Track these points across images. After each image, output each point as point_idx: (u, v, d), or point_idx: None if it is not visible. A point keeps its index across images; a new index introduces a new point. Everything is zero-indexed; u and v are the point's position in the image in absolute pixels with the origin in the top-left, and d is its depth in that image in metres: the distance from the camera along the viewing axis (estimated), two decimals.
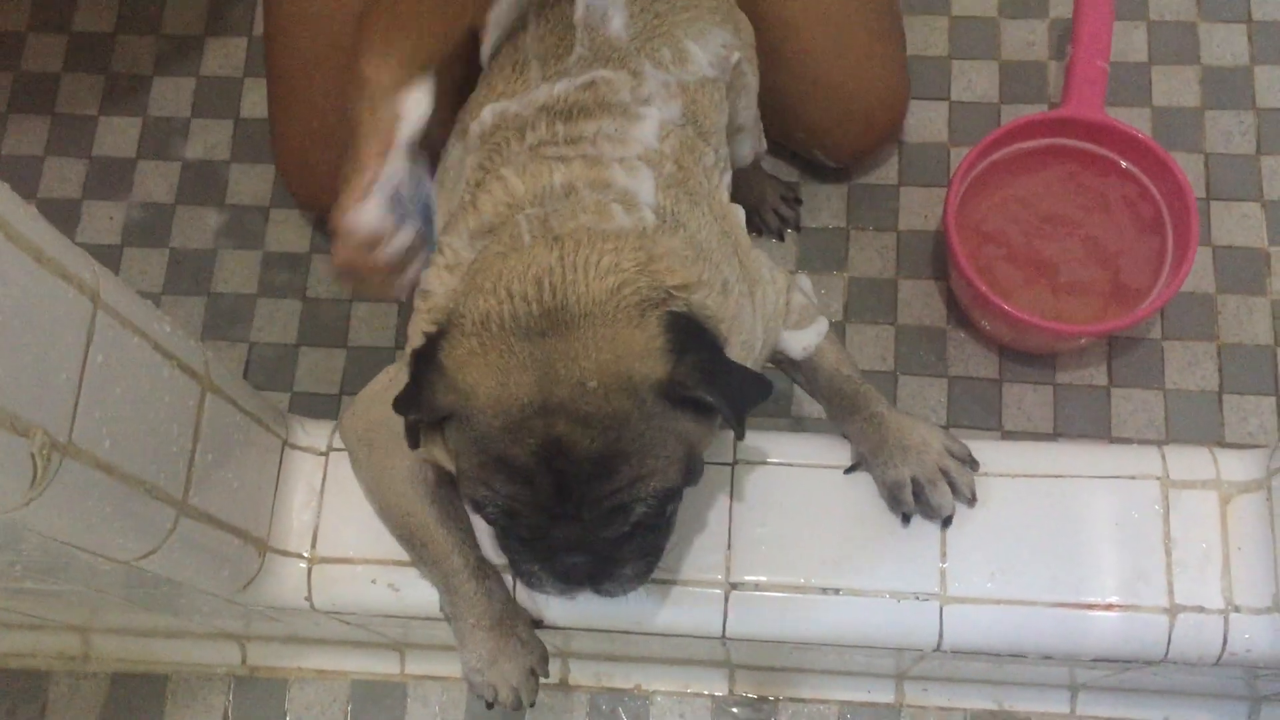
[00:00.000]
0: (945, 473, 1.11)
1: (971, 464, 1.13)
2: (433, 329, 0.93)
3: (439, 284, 0.98)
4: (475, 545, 1.10)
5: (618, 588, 0.96)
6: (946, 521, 1.12)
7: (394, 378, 1.08)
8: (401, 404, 0.91)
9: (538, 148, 1.01)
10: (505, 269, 0.90)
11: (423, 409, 0.90)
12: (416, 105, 1.05)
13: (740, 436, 0.91)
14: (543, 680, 1.12)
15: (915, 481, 1.10)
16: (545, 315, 0.87)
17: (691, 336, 0.88)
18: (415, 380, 0.90)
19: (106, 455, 0.86)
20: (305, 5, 1.50)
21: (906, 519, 1.12)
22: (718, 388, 0.87)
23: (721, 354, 0.91)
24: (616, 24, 1.08)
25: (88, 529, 0.89)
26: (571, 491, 0.87)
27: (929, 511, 1.11)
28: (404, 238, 1.06)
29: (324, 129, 1.53)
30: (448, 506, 1.09)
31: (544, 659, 1.11)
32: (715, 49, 1.13)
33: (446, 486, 1.09)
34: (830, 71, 1.50)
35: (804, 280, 1.13)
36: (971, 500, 1.12)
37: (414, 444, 0.93)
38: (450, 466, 0.94)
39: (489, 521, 0.94)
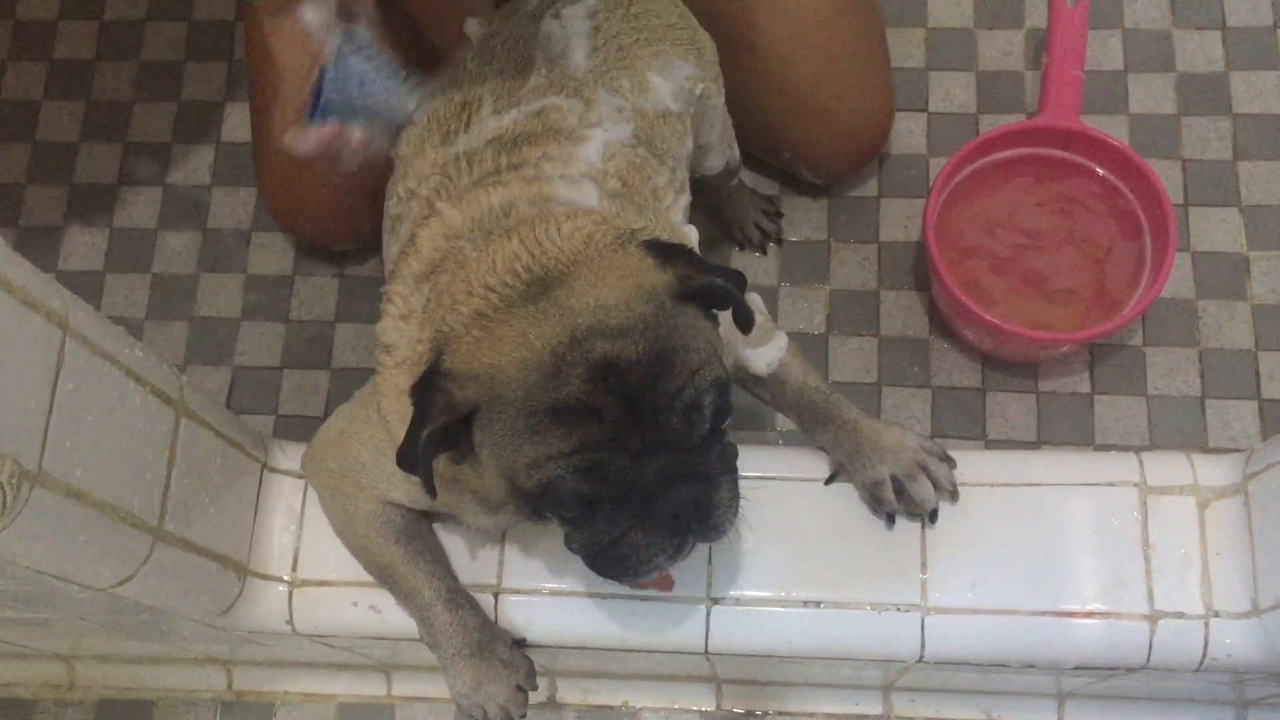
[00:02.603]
0: (924, 468, 1.11)
1: (948, 461, 1.13)
2: (412, 373, 0.90)
3: (398, 335, 0.97)
4: (448, 576, 1.10)
5: (722, 516, 0.89)
6: (933, 516, 1.12)
7: (351, 421, 1.08)
8: (406, 452, 0.85)
9: (481, 179, 1.01)
10: (471, 276, 0.88)
11: (437, 415, 0.83)
12: (316, 12, 1.03)
13: (748, 327, 0.90)
14: (531, 699, 1.12)
15: (895, 479, 1.11)
16: (533, 284, 0.85)
17: (671, 251, 0.89)
18: (421, 406, 0.85)
19: (78, 483, 0.86)
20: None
21: (891, 519, 1.13)
22: (715, 274, 0.88)
23: (700, 256, 0.90)
24: (577, 56, 1.08)
25: (61, 557, 0.89)
26: (640, 404, 0.82)
27: (912, 507, 1.11)
28: (357, 135, 1.05)
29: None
30: (416, 543, 1.09)
31: (530, 675, 1.11)
32: (679, 81, 1.14)
33: (414, 524, 1.09)
34: (817, 96, 1.51)
35: (755, 298, 1.13)
36: (954, 494, 1.12)
37: (431, 492, 0.87)
38: (482, 490, 0.91)
39: (569, 507, 0.86)
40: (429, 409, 0.84)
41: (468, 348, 0.85)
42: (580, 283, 0.85)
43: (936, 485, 1.11)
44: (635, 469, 0.84)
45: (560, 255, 0.87)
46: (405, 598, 1.09)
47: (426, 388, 0.85)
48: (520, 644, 1.13)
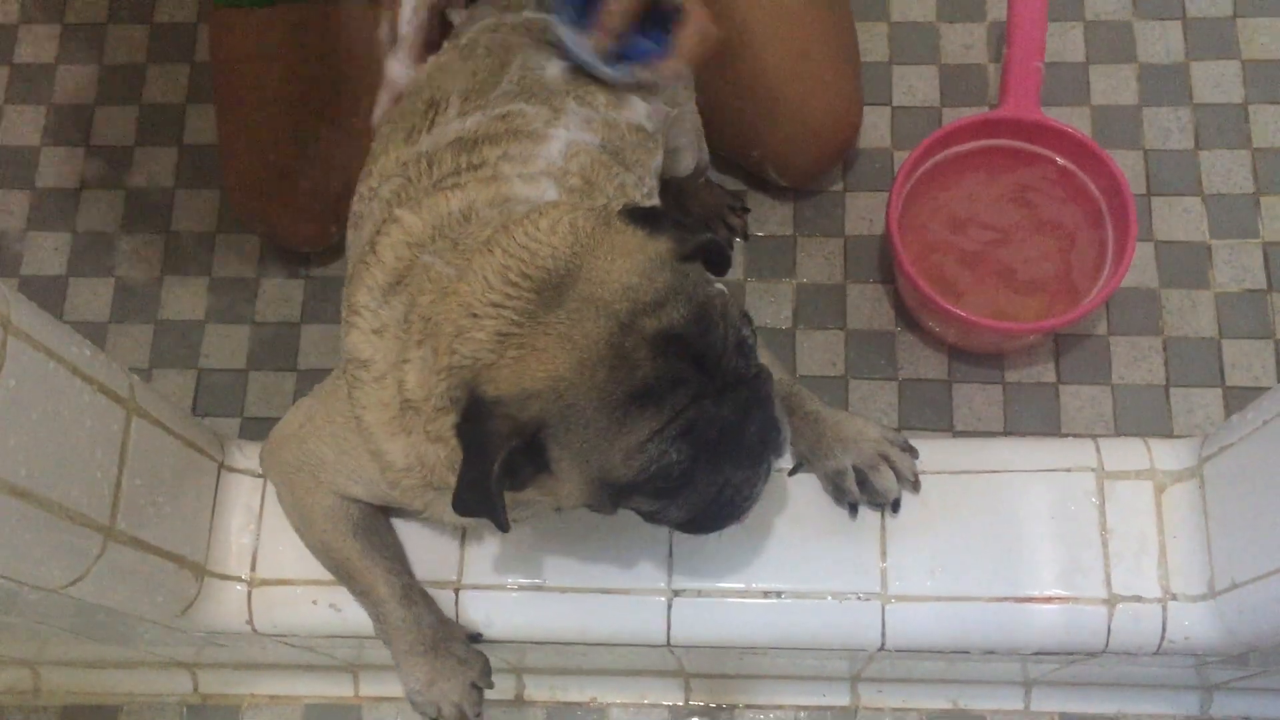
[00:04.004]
0: (886, 458, 1.11)
1: (910, 451, 1.13)
2: (405, 400, 0.90)
3: (373, 350, 0.94)
4: (404, 573, 1.09)
5: (785, 429, 0.94)
6: (895, 506, 1.12)
7: (311, 417, 1.06)
8: (474, 492, 0.83)
9: (440, 181, 0.99)
10: (468, 298, 0.85)
11: (504, 442, 0.81)
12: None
13: (725, 270, 0.93)
14: (499, 696, 1.12)
15: (857, 469, 1.11)
16: (542, 290, 0.84)
17: (653, 216, 0.90)
18: (478, 440, 0.82)
19: (23, 482, 0.85)
20: (255, 39, 1.50)
21: (854, 509, 1.13)
22: (697, 231, 0.90)
23: (672, 216, 0.92)
24: (552, 71, 1.07)
25: (7, 557, 0.88)
26: (704, 359, 0.85)
27: (875, 497, 1.11)
28: None
29: (277, 160, 1.53)
30: (373, 538, 1.08)
31: (485, 672, 1.10)
32: (657, 104, 1.13)
33: (372, 519, 1.08)
34: (788, 93, 1.51)
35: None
36: (915, 484, 1.12)
37: (505, 526, 0.85)
38: (563, 501, 0.90)
39: (672, 478, 0.86)
40: (490, 439, 0.82)
41: (510, 369, 0.82)
42: (595, 273, 0.84)
43: (899, 475, 1.11)
44: (718, 411, 0.86)
45: (554, 253, 0.85)
46: (361, 593, 1.08)
47: (479, 419, 0.82)
48: (476, 640, 1.12)
